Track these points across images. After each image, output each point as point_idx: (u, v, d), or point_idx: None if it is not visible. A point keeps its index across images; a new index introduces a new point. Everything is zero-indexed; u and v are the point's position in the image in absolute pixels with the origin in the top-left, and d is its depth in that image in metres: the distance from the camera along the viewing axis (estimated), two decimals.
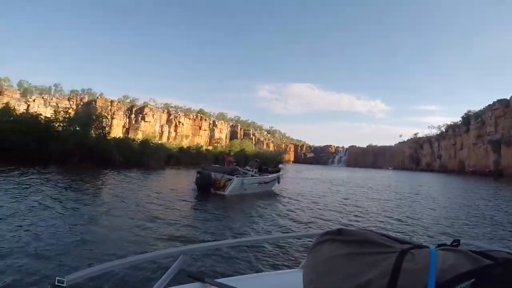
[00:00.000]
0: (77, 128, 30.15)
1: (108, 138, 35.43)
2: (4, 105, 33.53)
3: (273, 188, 18.76)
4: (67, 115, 31.19)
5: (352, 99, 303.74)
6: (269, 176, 18.32)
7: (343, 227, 1.06)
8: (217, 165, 18.97)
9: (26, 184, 13.34)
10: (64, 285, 1.01)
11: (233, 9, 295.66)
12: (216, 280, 1.47)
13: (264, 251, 6.40)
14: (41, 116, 30.79)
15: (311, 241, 2.24)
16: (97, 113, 35.60)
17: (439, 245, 0.97)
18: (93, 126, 31.58)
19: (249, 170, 17.84)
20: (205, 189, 15.35)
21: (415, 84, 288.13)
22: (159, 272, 4.28)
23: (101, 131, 33.01)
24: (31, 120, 28.68)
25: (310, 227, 9.53)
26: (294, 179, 33.10)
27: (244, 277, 1.82)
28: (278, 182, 18.91)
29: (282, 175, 20.49)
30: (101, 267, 1.21)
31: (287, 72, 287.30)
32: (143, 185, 17.56)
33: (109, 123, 38.21)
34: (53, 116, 31.15)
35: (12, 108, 31.45)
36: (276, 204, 13.83)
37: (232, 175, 15.74)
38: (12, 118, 27.56)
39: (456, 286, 0.76)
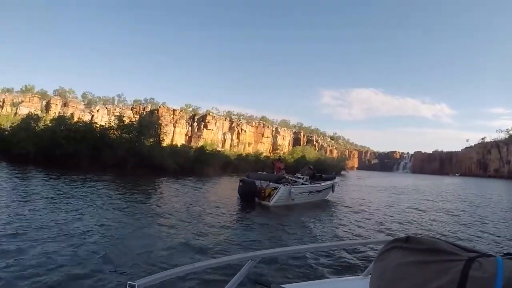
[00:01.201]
0: (130, 136, 29.38)
1: (164, 145, 34.75)
2: (59, 114, 33.91)
3: (327, 198, 17.09)
4: (122, 123, 30.51)
5: (417, 103, 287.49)
6: (322, 184, 16.55)
7: (411, 235, 1.03)
8: (263, 173, 17.20)
9: (75, 191, 13.10)
10: None
11: (293, 16, 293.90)
12: (282, 286, 1.49)
13: (328, 258, 6.44)
14: (96, 124, 30.52)
15: (374, 248, 5.83)
16: (150, 121, 34.83)
17: (506, 254, 0.94)
18: (147, 134, 30.41)
19: (299, 178, 16.03)
20: (249, 199, 13.85)
21: (480, 86, 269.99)
22: (227, 277, 3.52)
23: (155, 138, 31.88)
24: (86, 128, 28.44)
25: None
26: (355, 187, 30.66)
27: (309, 283, 1.94)
28: (333, 191, 17.19)
29: (338, 183, 18.36)
30: (171, 272, 1.29)
31: (350, 78, 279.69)
32: (188, 194, 16.25)
33: (165, 131, 37.28)
34: (109, 124, 30.74)
35: (69, 117, 31.49)
36: (328, 217, 12.22)
37: (279, 183, 14.18)
38: (65, 127, 27.23)
39: None
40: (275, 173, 16.67)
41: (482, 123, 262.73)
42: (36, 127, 27.94)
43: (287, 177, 15.42)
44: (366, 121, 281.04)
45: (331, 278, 2.87)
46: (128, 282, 1.08)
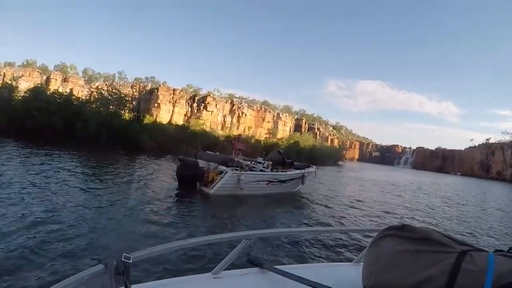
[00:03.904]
0: (106, 110, 28.87)
1: (146, 122, 34.30)
2: (35, 86, 33.49)
3: (295, 190, 14.35)
4: (100, 96, 29.92)
5: (423, 100, 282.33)
6: (288, 173, 13.66)
7: (407, 223, 1.06)
8: (216, 153, 14.72)
9: (27, 164, 12.55)
10: (130, 261, 1.08)
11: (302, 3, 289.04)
12: (274, 266, 1.53)
13: (322, 242, 6.61)
14: (73, 97, 30.17)
15: (368, 237, 6.16)
16: (131, 96, 34.24)
17: (497, 251, 1.00)
18: (124, 108, 29.91)
19: (259, 163, 13.58)
20: (188, 183, 11.53)
21: (488, 87, 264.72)
22: (220, 255, 4.34)
23: (134, 114, 31.41)
24: (61, 100, 28.00)
25: None
26: (344, 179, 29.11)
27: (301, 266, 1.94)
28: (303, 182, 14.34)
29: (314, 173, 15.86)
30: (165, 246, 1.31)
31: (358, 68, 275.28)
32: (134, 174, 14.35)
33: (146, 107, 36.77)
34: (87, 97, 30.35)
35: (44, 88, 31.10)
36: (281, 216, 10.07)
37: (227, 166, 11.64)
38: (40, 98, 26.70)
39: None
40: (233, 154, 13.93)
41: (488, 124, 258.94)
42: (11, 98, 27.64)
43: (236, 159, 12.49)
44: (370, 113, 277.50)
45: (324, 263, 2.82)
46: (124, 254, 1.06)
